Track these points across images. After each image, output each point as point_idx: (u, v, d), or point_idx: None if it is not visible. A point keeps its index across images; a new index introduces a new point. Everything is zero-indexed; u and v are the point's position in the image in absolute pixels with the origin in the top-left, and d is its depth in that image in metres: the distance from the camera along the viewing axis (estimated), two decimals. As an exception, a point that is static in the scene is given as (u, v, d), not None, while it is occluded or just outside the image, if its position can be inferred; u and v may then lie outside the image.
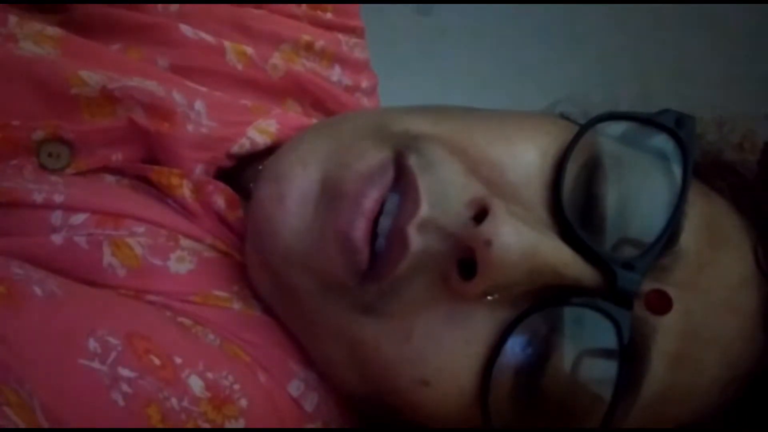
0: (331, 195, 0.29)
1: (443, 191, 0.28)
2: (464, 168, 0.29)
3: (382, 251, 0.28)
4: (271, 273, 0.31)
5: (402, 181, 0.29)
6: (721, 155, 0.36)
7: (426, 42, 1.08)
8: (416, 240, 0.27)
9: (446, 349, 0.29)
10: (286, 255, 0.30)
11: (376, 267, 0.28)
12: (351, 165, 0.29)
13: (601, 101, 0.36)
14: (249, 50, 0.39)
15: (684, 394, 0.30)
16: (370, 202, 0.28)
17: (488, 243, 0.26)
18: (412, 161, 0.29)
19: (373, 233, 0.28)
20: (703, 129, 0.35)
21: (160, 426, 0.27)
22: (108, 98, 0.34)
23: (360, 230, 0.28)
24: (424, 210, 0.28)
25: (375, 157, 0.29)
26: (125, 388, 0.27)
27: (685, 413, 0.30)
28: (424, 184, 0.28)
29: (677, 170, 0.30)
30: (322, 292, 0.30)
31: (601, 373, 0.28)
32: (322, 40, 0.42)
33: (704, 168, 0.34)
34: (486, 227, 0.27)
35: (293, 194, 0.30)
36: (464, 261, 0.28)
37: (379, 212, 0.29)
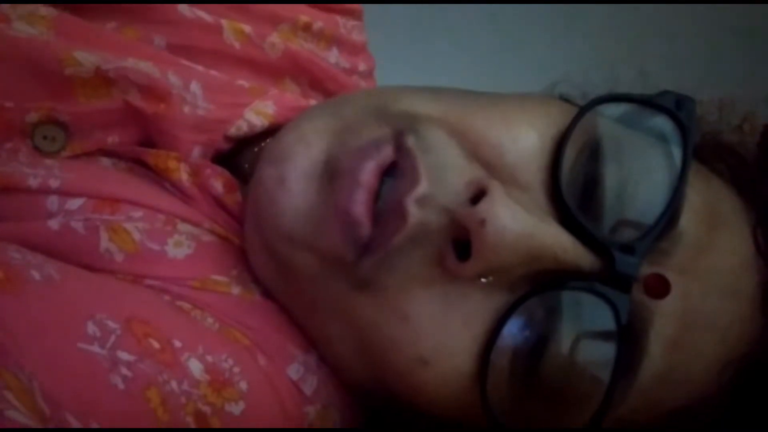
0: (332, 174, 0.29)
1: (442, 172, 0.28)
2: (463, 150, 0.29)
3: (381, 226, 0.28)
4: (272, 254, 0.31)
5: (401, 161, 0.29)
6: (721, 137, 0.36)
7: (423, 23, 1.07)
8: (414, 213, 0.27)
9: (444, 329, 0.29)
10: (289, 235, 0.30)
11: (374, 239, 0.28)
12: (350, 143, 0.29)
13: (599, 82, 0.36)
14: (247, 29, 0.38)
15: (682, 377, 0.30)
16: (366, 174, 0.28)
17: (483, 223, 0.26)
18: (412, 142, 0.29)
19: (374, 212, 0.28)
20: (703, 111, 0.34)
21: (159, 409, 0.28)
22: (103, 79, 0.34)
23: (360, 204, 0.28)
24: (423, 186, 0.28)
25: (372, 134, 0.29)
26: (124, 371, 0.27)
27: (682, 396, 0.31)
28: (423, 165, 0.28)
29: (677, 152, 0.30)
30: (323, 271, 0.30)
31: (600, 355, 0.28)
32: (320, 21, 0.42)
33: (703, 150, 0.34)
34: (482, 207, 0.27)
35: (295, 175, 0.30)
36: (461, 242, 0.28)
37: (378, 193, 0.29)
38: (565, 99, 0.35)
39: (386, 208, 0.28)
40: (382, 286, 0.29)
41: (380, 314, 0.29)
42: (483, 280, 0.28)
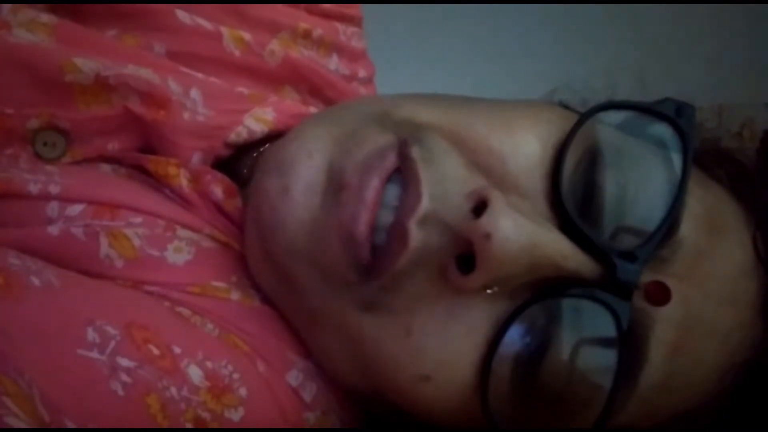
0: (336, 186, 0.29)
1: (444, 184, 0.28)
2: (465, 159, 0.29)
3: (382, 246, 0.28)
4: (273, 264, 0.31)
5: (404, 172, 0.29)
6: (720, 143, 0.36)
7: (423, 30, 1.07)
8: (416, 235, 0.27)
9: (446, 343, 0.29)
10: (291, 246, 0.30)
11: (376, 262, 0.28)
12: (353, 154, 0.29)
13: (599, 89, 0.36)
14: (246, 36, 0.39)
15: (682, 383, 0.30)
16: (371, 191, 0.28)
17: (487, 237, 0.26)
18: (415, 153, 0.29)
19: (374, 226, 0.28)
20: (703, 117, 0.35)
21: (159, 415, 0.28)
22: (103, 86, 0.34)
23: (363, 224, 0.28)
24: (425, 204, 0.28)
25: (375, 143, 0.29)
26: (124, 377, 0.27)
27: (683, 401, 0.31)
28: (425, 177, 0.28)
29: (677, 159, 0.30)
30: (325, 286, 0.30)
31: (601, 362, 0.28)
32: (319, 28, 0.42)
33: (703, 156, 0.34)
34: (485, 220, 0.27)
35: (299, 185, 0.29)
36: (463, 255, 0.28)
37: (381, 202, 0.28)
38: (564, 106, 0.35)
39: (388, 228, 0.28)
40: (386, 307, 0.29)
41: (382, 333, 0.29)
42: (488, 291, 0.28)
